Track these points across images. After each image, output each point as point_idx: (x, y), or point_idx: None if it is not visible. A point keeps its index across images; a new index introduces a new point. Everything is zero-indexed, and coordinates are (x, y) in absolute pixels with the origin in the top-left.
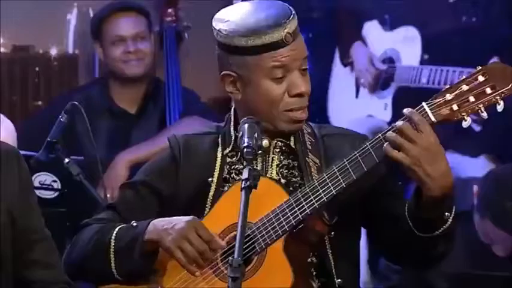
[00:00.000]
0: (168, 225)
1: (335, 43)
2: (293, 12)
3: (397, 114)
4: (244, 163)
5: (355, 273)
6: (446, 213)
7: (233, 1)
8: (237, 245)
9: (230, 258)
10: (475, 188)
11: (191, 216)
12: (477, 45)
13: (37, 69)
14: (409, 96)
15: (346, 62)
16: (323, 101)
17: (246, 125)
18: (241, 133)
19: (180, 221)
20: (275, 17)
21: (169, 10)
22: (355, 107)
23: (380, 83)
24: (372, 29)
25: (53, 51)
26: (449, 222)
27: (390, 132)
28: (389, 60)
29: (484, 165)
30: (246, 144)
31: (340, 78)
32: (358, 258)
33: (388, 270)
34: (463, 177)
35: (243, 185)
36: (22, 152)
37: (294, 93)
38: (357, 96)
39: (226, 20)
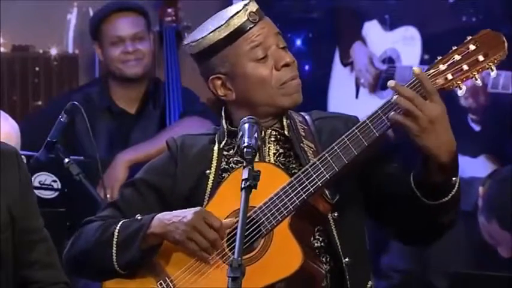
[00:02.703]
0: (175, 219)
1: (335, 43)
2: None
3: None
4: (244, 163)
5: (363, 252)
6: (454, 178)
7: (232, 1)
8: (237, 245)
9: (230, 258)
10: (480, 189)
11: (198, 207)
12: None
13: (37, 69)
14: None
15: (346, 62)
16: (323, 101)
17: (246, 125)
18: (241, 133)
19: (187, 213)
20: (234, 6)
21: (169, 10)
22: (355, 107)
23: (380, 83)
24: (371, 29)
25: (53, 51)
26: (456, 188)
27: (399, 98)
28: (389, 60)
29: (484, 165)
30: (246, 144)
31: (340, 78)
32: (365, 238)
33: (390, 269)
34: (463, 178)
35: (243, 185)
36: (22, 152)
37: (280, 64)
38: (357, 96)
39: (193, 32)
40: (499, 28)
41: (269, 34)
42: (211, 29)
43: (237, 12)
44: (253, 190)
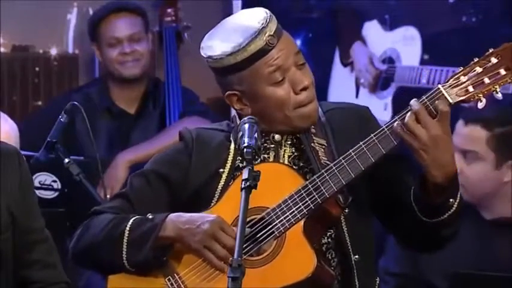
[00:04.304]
0: (190, 225)
1: (335, 43)
2: (268, 13)
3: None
4: (245, 163)
5: (371, 251)
6: (451, 200)
7: (233, 1)
8: (236, 245)
9: (230, 258)
10: None
11: (213, 215)
12: (477, 46)
13: (37, 69)
14: (409, 97)
15: (346, 62)
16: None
17: (246, 125)
18: (241, 133)
19: (203, 220)
20: (253, 25)
21: (169, 10)
22: None
23: (380, 83)
24: (371, 29)
25: (53, 51)
26: (454, 208)
27: (408, 114)
28: (389, 60)
29: None
30: (246, 145)
31: (340, 78)
32: (373, 236)
33: (385, 273)
34: None
35: (242, 185)
36: (22, 152)
37: (299, 89)
38: (356, 96)
39: (211, 45)
40: (498, 28)
41: (288, 55)
42: (228, 49)
43: (256, 35)
44: (265, 191)
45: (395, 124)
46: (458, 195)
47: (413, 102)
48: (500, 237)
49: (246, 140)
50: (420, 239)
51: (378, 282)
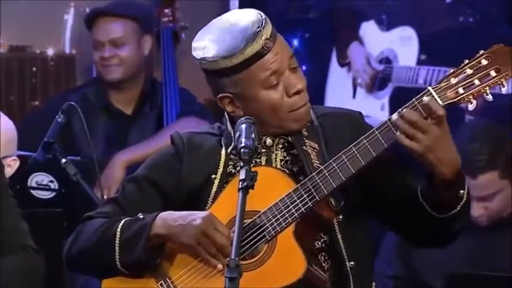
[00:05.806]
0: (182, 221)
1: (332, 43)
2: (263, 16)
3: None
4: (242, 164)
5: (368, 256)
6: (461, 191)
7: (230, 1)
8: (234, 245)
9: (228, 259)
10: None
11: (206, 212)
12: (474, 46)
13: (34, 69)
14: (406, 97)
15: (343, 62)
16: (320, 102)
17: (243, 126)
18: (238, 133)
19: (195, 216)
20: (249, 28)
21: (166, 10)
22: (352, 107)
23: (377, 83)
24: (369, 29)
25: (50, 52)
26: (465, 198)
27: (401, 121)
28: (386, 61)
29: None
30: (243, 145)
31: (338, 78)
32: (370, 241)
33: (383, 276)
34: None
35: (240, 186)
36: (20, 152)
37: (292, 92)
38: (354, 96)
39: (204, 46)
40: (495, 28)
41: (283, 59)
42: (223, 52)
43: (252, 38)
44: (256, 194)
45: (397, 134)
46: (466, 185)
47: (406, 111)
48: (496, 237)
49: (243, 140)
50: (433, 235)
51: (373, 287)
